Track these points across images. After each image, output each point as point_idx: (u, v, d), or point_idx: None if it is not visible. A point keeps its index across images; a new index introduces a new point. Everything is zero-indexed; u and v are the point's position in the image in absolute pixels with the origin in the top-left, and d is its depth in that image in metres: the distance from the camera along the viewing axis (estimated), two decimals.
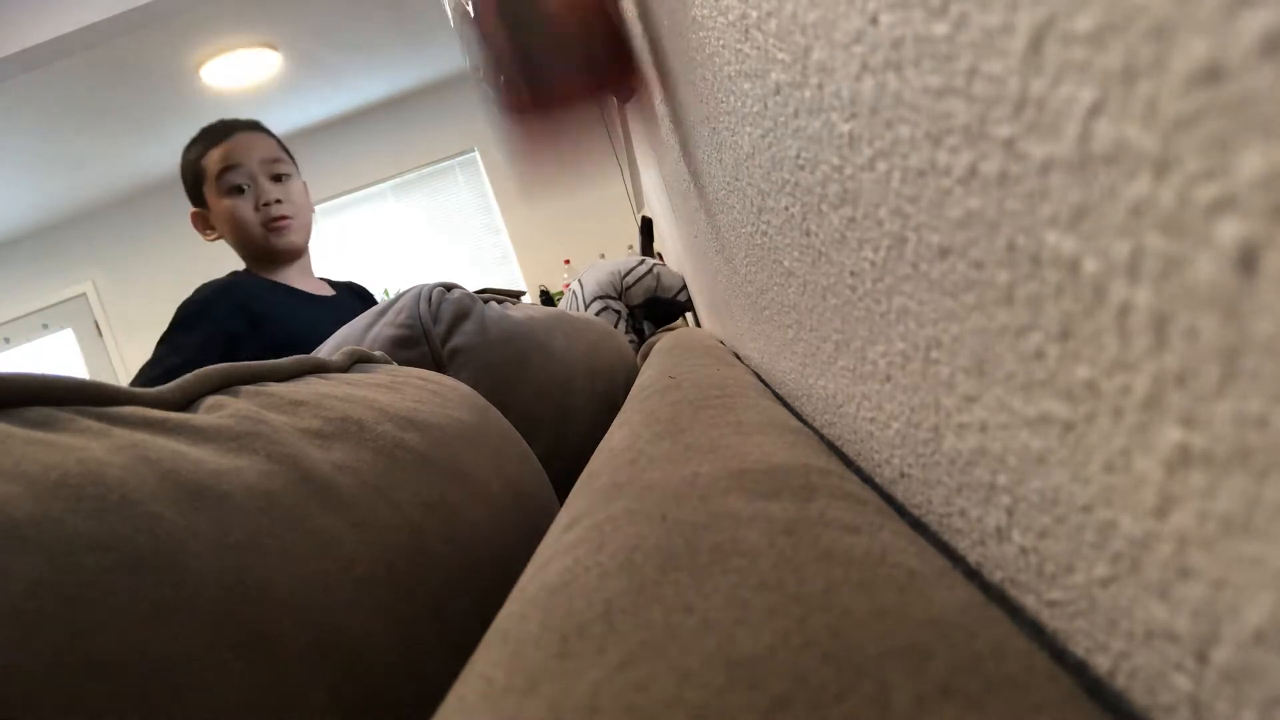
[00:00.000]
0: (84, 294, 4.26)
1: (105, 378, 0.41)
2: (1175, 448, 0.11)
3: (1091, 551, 0.15)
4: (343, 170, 4.17)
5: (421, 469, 0.34)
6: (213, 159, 1.13)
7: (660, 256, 1.94)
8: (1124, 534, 0.13)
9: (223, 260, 1.21)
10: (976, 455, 0.19)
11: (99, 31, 2.41)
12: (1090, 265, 0.12)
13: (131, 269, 4.22)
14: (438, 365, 0.67)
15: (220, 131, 1.15)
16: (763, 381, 0.56)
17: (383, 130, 4.17)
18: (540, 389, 0.69)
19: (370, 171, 4.20)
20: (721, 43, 0.32)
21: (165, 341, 1.06)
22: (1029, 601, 0.18)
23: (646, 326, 1.47)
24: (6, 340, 4.26)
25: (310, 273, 1.24)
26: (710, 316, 1.07)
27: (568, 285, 2.42)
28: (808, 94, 0.22)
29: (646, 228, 2.10)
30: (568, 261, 4.12)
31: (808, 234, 0.28)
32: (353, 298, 1.28)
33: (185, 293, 1.13)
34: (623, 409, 0.48)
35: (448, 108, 4.13)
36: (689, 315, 1.48)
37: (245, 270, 1.18)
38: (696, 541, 0.19)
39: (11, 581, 0.17)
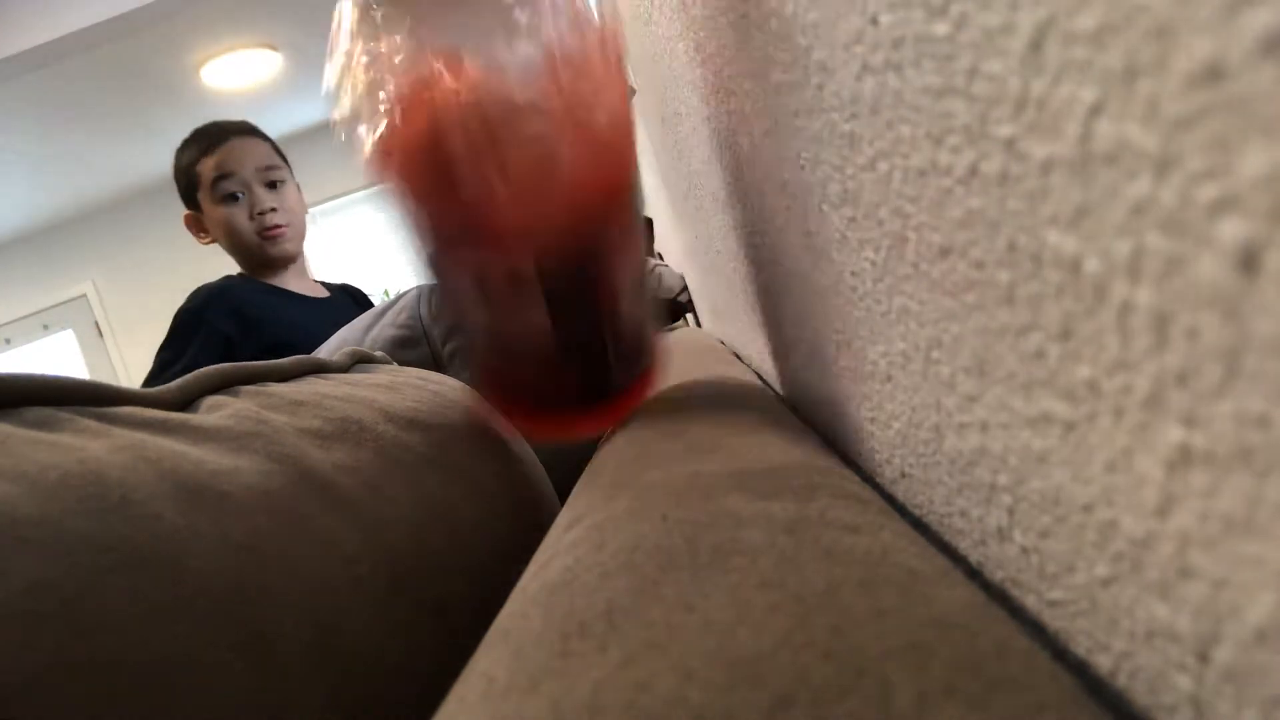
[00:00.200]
0: (84, 295, 4.26)
1: (106, 378, 0.41)
2: (1176, 447, 0.11)
3: (1093, 551, 0.15)
4: (343, 171, 4.16)
5: (422, 469, 0.34)
6: (207, 166, 1.12)
7: (661, 257, 1.94)
8: (1125, 534, 0.13)
9: (223, 260, 1.21)
10: (977, 455, 0.19)
11: (99, 32, 2.41)
12: (1091, 265, 0.12)
13: (132, 269, 4.22)
14: (438, 365, 0.67)
15: (214, 137, 1.14)
16: (764, 381, 0.56)
17: None
18: None
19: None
20: (722, 43, 0.32)
21: (165, 349, 1.07)
22: (1030, 601, 0.18)
23: None
24: (7, 341, 4.26)
25: (306, 275, 1.24)
26: (711, 317, 1.07)
27: None
28: (808, 94, 0.22)
29: (647, 228, 2.10)
30: None
31: (808, 234, 0.28)
32: (348, 299, 1.28)
33: (186, 293, 1.13)
34: None
35: None
36: (690, 316, 1.48)
37: (240, 274, 1.18)
38: (698, 541, 0.19)
39: (11, 581, 0.17)
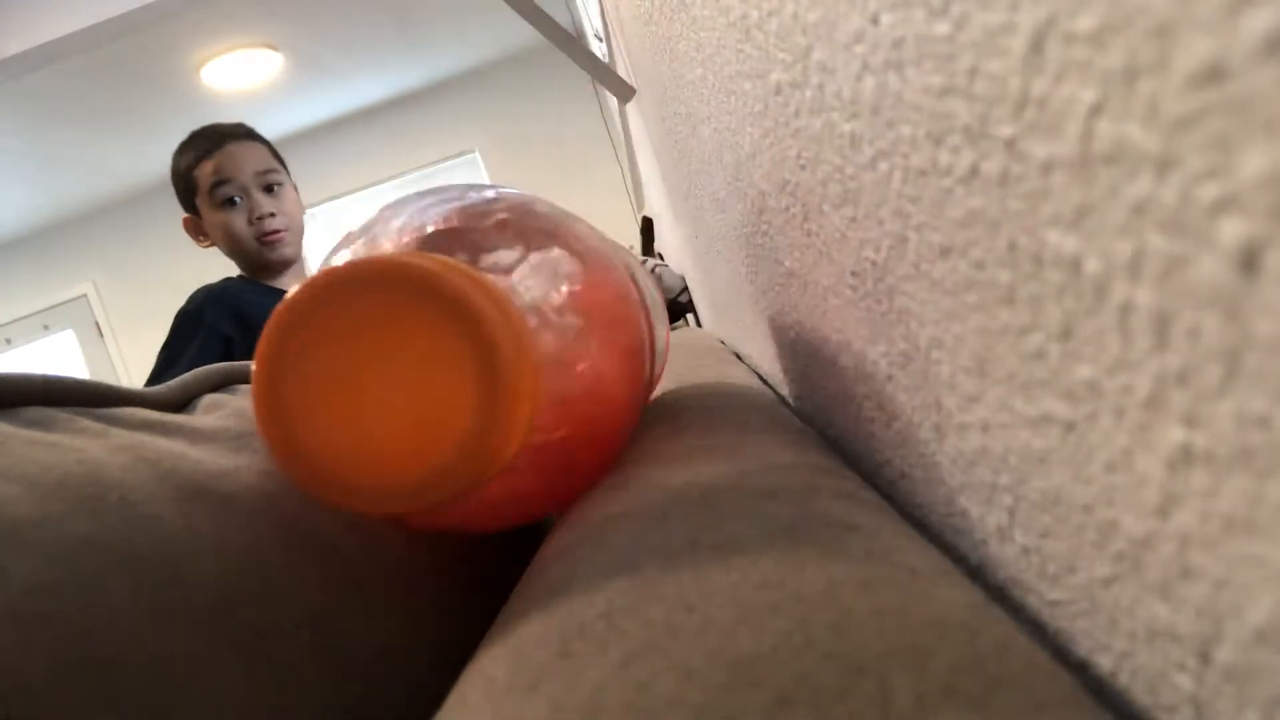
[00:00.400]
0: (85, 295, 4.26)
1: (107, 379, 0.41)
2: (1177, 447, 0.11)
3: (1093, 551, 0.15)
4: (343, 170, 4.16)
5: None
6: (205, 172, 1.12)
7: (661, 256, 1.94)
8: (1126, 534, 0.13)
9: (222, 261, 1.21)
10: (978, 455, 0.19)
11: (99, 32, 2.41)
12: (1092, 265, 0.12)
13: (132, 269, 4.22)
14: None
15: (211, 141, 1.14)
16: (764, 381, 0.56)
17: (383, 131, 4.16)
18: None
19: (370, 172, 4.20)
20: (722, 43, 0.32)
21: (165, 350, 1.07)
22: (1031, 601, 0.18)
23: None
24: (8, 341, 4.26)
25: (304, 276, 1.24)
26: (712, 317, 1.07)
27: None
28: (808, 94, 0.22)
29: (647, 228, 2.10)
30: None
31: (809, 234, 0.28)
32: None
33: (186, 293, 1.13)
34: None
35: (448, 108, 4.13)
36: (690, 316, 1.48)
37: (240, 275, 1.18)
38: (698, 540, 0.19)
39: (11, 581, 0.17)
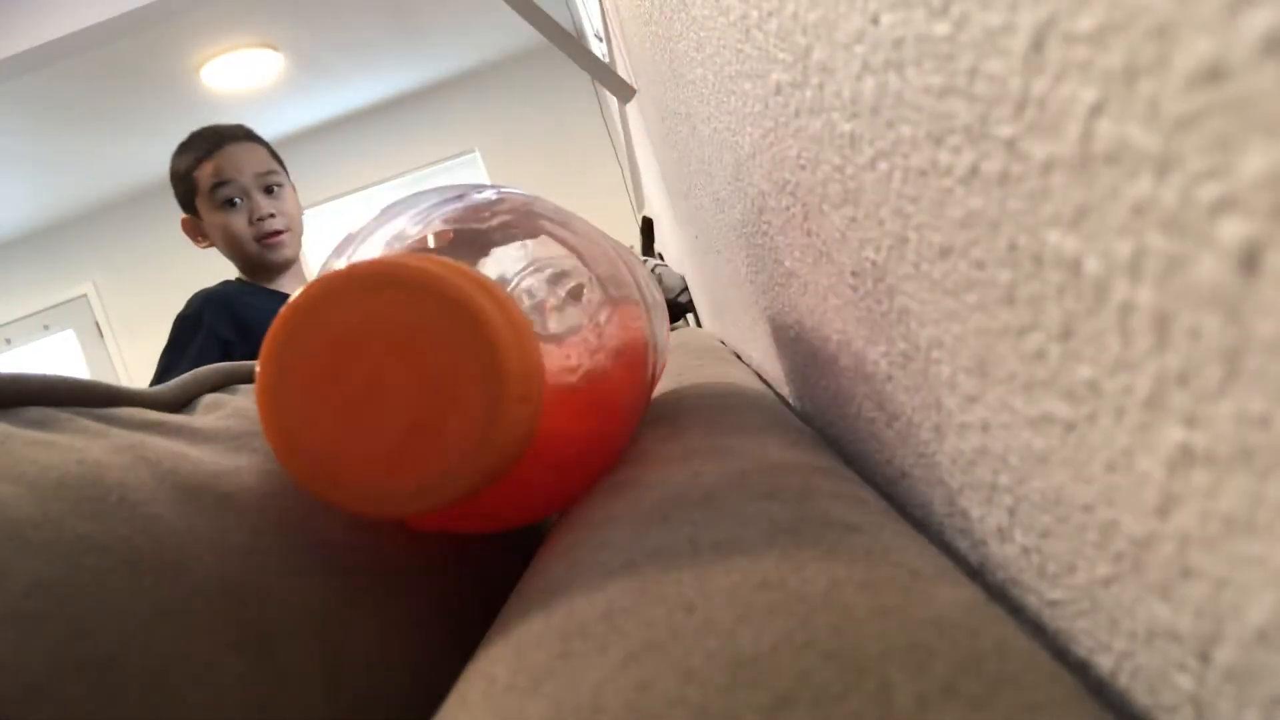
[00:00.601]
0: (85, 295, 4.26)
1: (107, 379, 0.41)
2: (1177, 447, 0.11)
3: (1093, 551, 0.15)
4: (344, 170, 4.17)
5: None
6: (205, 173, 1.12)
7: (661, 256, 1.94)
8: (1126, 534, 0.13)
9: (223, 261, 1.21)
10: (978, 455, 0.19)
11: (99, 33, 2.41)
12: (1092, 265, 0.12)
13: (132, 270, 4.22)
14: None
15: (211, 142, 1.14)
16: (764, 381, 0.56)
17: (383, 131, 4.16)
18: None
19: (371, 172, 4.20)
20: (722, 43, 0.32)
21: (165, 355, 1.07)
22: (1031, 601, 0.18)
23: None
24: (8, 341, 4.26)
25: (302, 277, 1.24)
26: (712, 317, 1.07)
27: None
28: (808, 94, 0.22)
29: (647, 228, 2.10)
30: None
31: (809, 234, 0.28)
32: None
33: (186, 293, 1.13)
34: None
35: (448, 108, 4.13)
36: (690, 316, 1.48)
37: (238, 278, 1.18)
38: (698, 540, 0.19)
39: (11, 582, 0.17)
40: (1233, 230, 0.09)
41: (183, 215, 1.18)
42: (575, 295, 0.29)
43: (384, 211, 0.29)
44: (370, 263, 0.20)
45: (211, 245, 1.18)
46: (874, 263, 0.21)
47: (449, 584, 0.30)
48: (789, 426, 0.33)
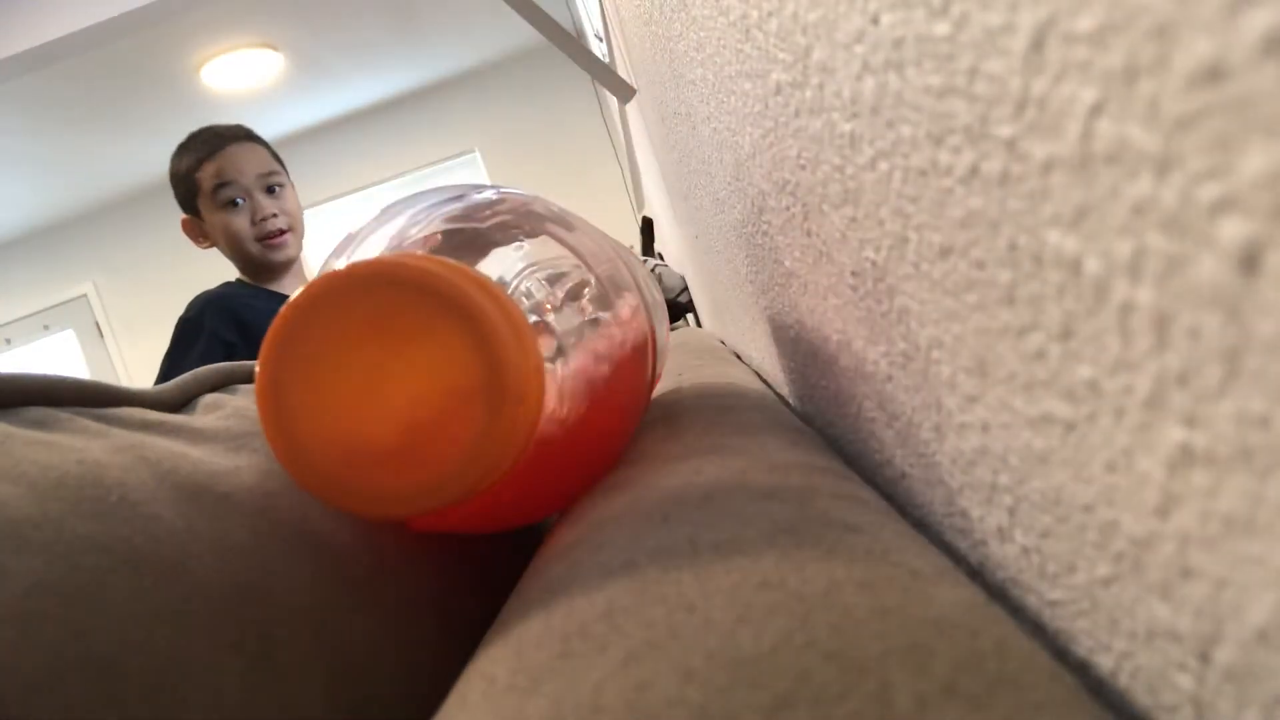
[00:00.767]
0: (85, 295, 4.26)
1: (107, 379, 0.41)
2: (1177, 447, 0.11)
3: (1093, 551, 0.15)
4: (344, 170, 4.17)
5: None
6: (206, 173, 1.12)
7: (661, 256, 1.94)
8: (1126, 533, 0.13)
9: (223, 261, 1.21)
10: (978, 455, 0.19)
11: (99, 33, 2.41)
12: (1092, 265, 0.12)
13: (132, 270, 4.22)
14: None
15: (212, 143, 1.14)
16: (764, 381, 0.56)
17: (383, 131, 4.16)
18: None
19: (371, 171, 4.20)
20: (722, 43, 0.32)
21: (168, 358, 1.07)
22: (1031, 601, 0.18)
23: None
24: (8, 341, 4.26)
25: (303, 278, 1.24)
26: (712, 316, 1.07)
27: None
28: (809, 94, 0.22)
29: (647, 228, 2.10)
30: None
31: (809, 234, 0.28)
32: None
33: (187, 293, 1.13)
34: None
35: (448, 108, 4.13)
36: (690, 316, 1.48)
37: (239, 279, 1.18)
38: (698, 540, 0.19)
39: (11, 582, 0.17)
40: (1233, 230, 0.09)
41: (183, 216, 1.18)
42: (575, 295, 0.29)
43: (384, 211, 0.29)
44: (370, 262, 0.20)
45: (213, 246, 1.18)
46: (874, 263, 0.21)
47: (449, 584, 0.30)
48: (789, 426, 0.33)
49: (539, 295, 0.28)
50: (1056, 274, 0.13)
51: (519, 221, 0.30)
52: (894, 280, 0.20)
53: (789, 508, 0.21)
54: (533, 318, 0.25)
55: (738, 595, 0.16)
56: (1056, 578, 0.17)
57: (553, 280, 0.28)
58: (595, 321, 0.29)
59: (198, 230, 1.18)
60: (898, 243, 0.19)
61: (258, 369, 0.20)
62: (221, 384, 0.32)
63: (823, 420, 0.38)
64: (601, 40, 1.55)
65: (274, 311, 0.20)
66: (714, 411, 0.36)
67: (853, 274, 0.24)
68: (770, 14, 0.24)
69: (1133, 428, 0.12)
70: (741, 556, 0.18)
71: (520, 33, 3.24)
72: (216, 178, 1.12)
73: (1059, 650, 0.17)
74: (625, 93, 1.01)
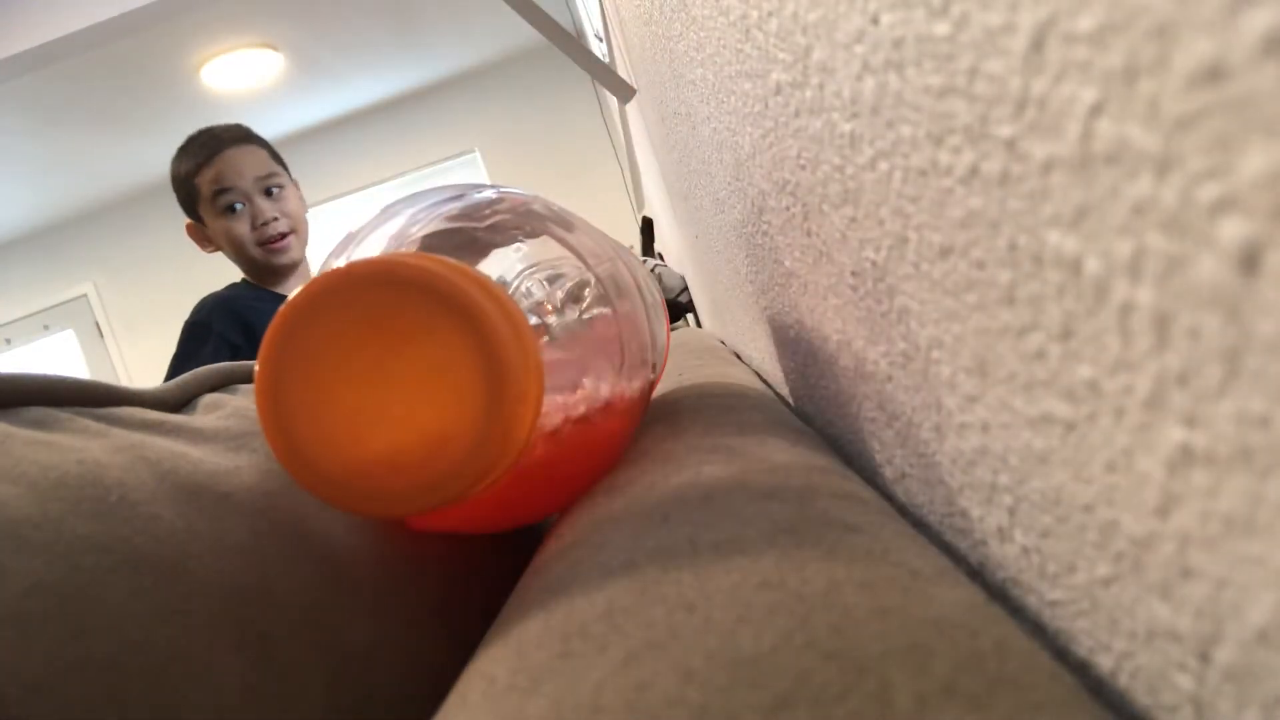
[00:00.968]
0: (85, 295, 4.26)
1: (107, 379, 0.41)
2: (1177, 447, 0.11)
3: (1093, 551, 0.15)
4: (344, 170, 4.16)
5: None
6: (205, 179, 1.12)
7: (661, 256, 1.94)
8: (1126, 533, 0.13)
9: (224, 261, 1.21)
10: (978, 455, 0.19)
11: (99, 33, 2.41)
12: (1092, 265, 0.12)
13: (133, 270, 4.22)
14: None
15: (210, 147, 1.13)
16: (764, 381, 0.56)
17: (383, 131, 4.16)
18: None
19: (371, 171, 4.20)
20: (722, 43, 0.32)
21: (175, 361, 1.07)
22: (1031, 601, 0.18)
23: None
24: (8, 341, 4.25)
25: (307, 279, 1.24)
26: (712, 317, 1.07)
27: None
28: (808, 94, 0.22)
29: (647, 228, 2.10)
30: None
31: (809, 234, 0.28)
32: None
33: (187, 293, 1.13)
34: None
35: (448, 108, 4.13)
36: (690, 316, 1.48)
37: (244, 280, 1.18)
38: (698, 540, 0.19)
39: (11, 582, 0.17)
40: (1233, 230, 0.09)
41: (187, 221, 1.18)
42: (575, 295, 0.29)
43: (384, 211, 0.29)
44: (369, 261, 0.20)
45: (218, 250, 1.18)
46: (874, 263, 0.21)
47: (449, 584, 0.30)
48: (789, 426, 0.33)
49: (539, 295, 0.28)
50: (1056, 274, 0.13)
51: (519, 221, 0.30)
52: (894, 280, 0.20)
53: (789, 508, 0.21)
54: (533, 318, 0.25)
55: (738, 595, 0.16)
56: (1056, 578, 0.17)
57: (552, 280, 0.28)
58: (595, 319, 0.29)
59: (202, 235, 1.18)
60: (898, 243, 0.19)
61: (257, 368, 0.20)
62: (221, 384, 0.32)
63: (823, 420, 0.38)
64: (601, 40, 1.55)
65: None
66: (714, 412, 0.36)
67: (853, 274, 0.24)
68: (770, 14, 0.24)
69: (1133, 428, 0.12)
70: (741, 556, 0.18)
71: (520, 33, 3.24)
72: (215, 183, 1.11)
73: (1059, 650, 0.17)
74: (625, 93, 1.01)
